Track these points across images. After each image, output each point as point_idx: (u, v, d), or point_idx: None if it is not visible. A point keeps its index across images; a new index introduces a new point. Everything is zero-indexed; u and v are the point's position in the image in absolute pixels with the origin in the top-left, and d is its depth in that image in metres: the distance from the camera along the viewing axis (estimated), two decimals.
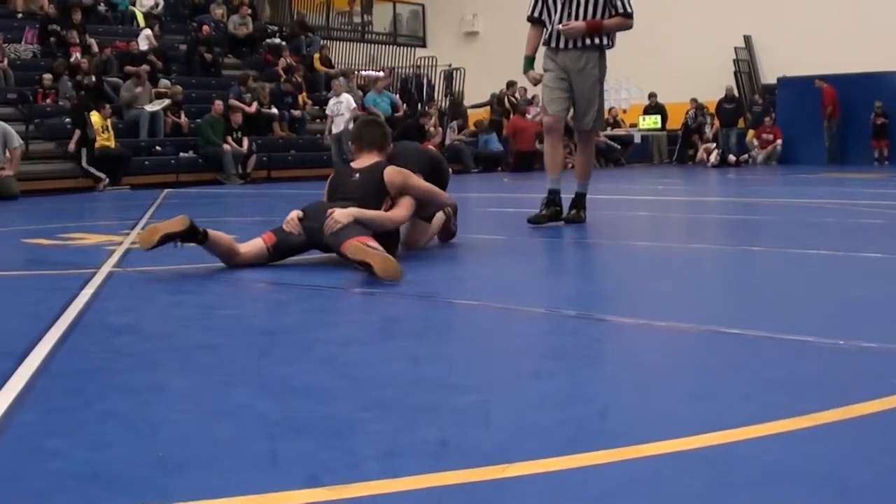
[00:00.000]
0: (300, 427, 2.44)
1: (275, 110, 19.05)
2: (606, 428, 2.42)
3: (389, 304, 4.28)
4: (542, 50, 7.87)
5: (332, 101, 19.05)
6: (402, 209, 5.62)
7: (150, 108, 17.22)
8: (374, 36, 27.56)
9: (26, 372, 3.05)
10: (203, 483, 2.06)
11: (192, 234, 5.04)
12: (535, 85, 8.11)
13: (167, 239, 4.95)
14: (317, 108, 20.97)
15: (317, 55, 22.51)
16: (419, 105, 21.92)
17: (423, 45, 27.64)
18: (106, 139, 15.66)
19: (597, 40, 7.54)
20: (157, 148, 17.09)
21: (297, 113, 19.63)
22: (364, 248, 4.74)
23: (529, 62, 8.02)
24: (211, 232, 5.18)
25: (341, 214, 5.24)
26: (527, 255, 6.38)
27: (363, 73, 23.60)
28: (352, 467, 2.13)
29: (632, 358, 3.24)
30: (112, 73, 18.34)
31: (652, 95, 23.89)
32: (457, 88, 23.59)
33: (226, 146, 16.98)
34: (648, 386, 2.86)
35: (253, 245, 5.41)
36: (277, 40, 22.62)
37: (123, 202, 13.08)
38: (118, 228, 8.22)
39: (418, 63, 24.88)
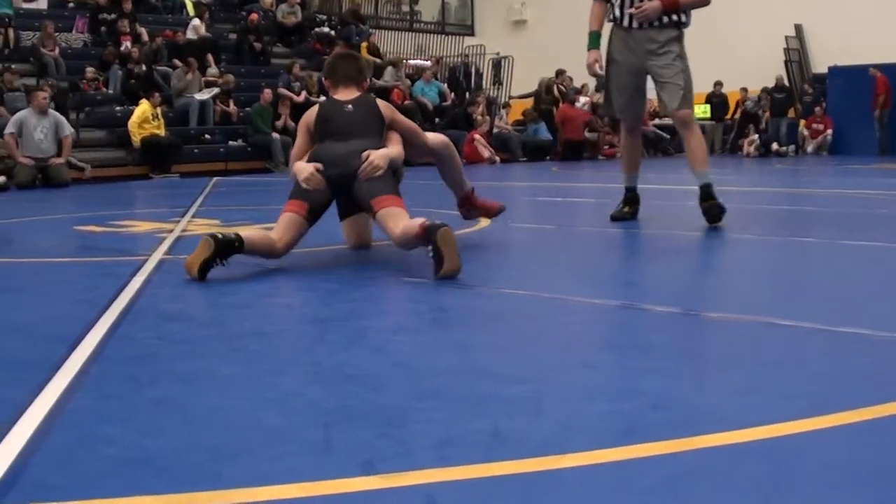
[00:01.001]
0: (353, 415, 2.44)
1: (323, 99, 19.08)
2: (659, 419, 2.39)
3: (439, 293, 4.27)
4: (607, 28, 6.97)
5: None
6: (398, 144, 5.30)
7: (199, 96, 17.32)
8: (422, 25, 27.56)
9: (80, 358, 3.08)
10: (255, 470, 2.07)
11: (226, 247, 4.59)
12: (591, 74, 7.14)
13: (206, 267, 4.54)
14: None
15: (365, 44, 22.52)
16: (467, 94, 21.88)
17: (472, 34, 27.60)
18: (156, 127, 15.77)
19: (674, 17, 6.68)
20: (207, 136, 17.20)
21: None
22: (448, 235, 4.41)
23: (595, 39, 6.96)
24: (244, 234, 4.73)
25: (380, 157, 4.99)
26: (575, 245, 6.36)
27: (411, 62, 23.59)
28: (405, 456, 2.12)
29: (683, 349, 3.21)
30: (162, 61, 18.47)
31: (718, 84, 23.49)
32: (505, 77, 23.53)
33: (274, 134, 17.05)
34: (701, 378, 2.84)
35: (288, 224, 4.97)
36: (326, 29, 22.66)
37: (173, 190, 13.17)
38: (168, 216, 8.27)
39: (466, 52, 24.87)
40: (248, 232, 4.89)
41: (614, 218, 7.22)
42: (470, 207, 6.22)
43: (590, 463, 2.08)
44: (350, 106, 5.28)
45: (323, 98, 19.71)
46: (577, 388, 2.69)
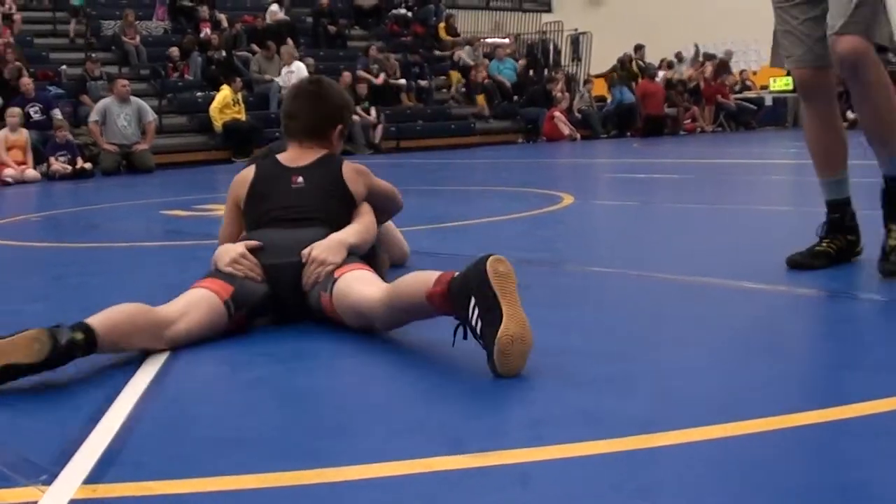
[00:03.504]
0: (445, 395, 2.44)
1: (403, 80, 19.10)
2: (756, 397, 2.36)
3: (523, 271, 4.23)
4: None
5: (283, 71, 17.19)
6: (368, 214, 3.72)
7: (279, 80, 17.44)
8: (499, 2, 27.43)
9: None
10: (353, 449, 2.08)
11: (63, 358, 2.67)
12: None
13: (6, 376, 2.60)
14: (443, 77, 21.02)
15: (442, 24, 22.52)
16: (545, 71, 21.77)
17: (549, 11, 27.41)
18: (237, 112, 15.91)
19: None
20: None
21: (424, 83, 19.67)
22: (503, 266, 2.63)
23: None
24: (100, 323, 2.81)
25: (329, 253, 3.34)
26: (660, 222, 6.30)
27: (487, 40, 23.51)
28: (498, 436, 2.11)
29: (775, 327, 3.16)
30: (241, 47, 18.62)
31: None
32: (583, 54, 23.36)
33: (354, 117, 17.11)
34: (793, 356, 2.78)
35: (195, 301, 3.17)
36: (403, 10, 22.67)
37: None
38: None
39: (544, 28, 24.71)
40: (109, 315, 2.89)
41: (793, 264, 4.01)
42: None
43: (685, 441, 2.06)
44: (301, 179, 3.63)
45: (403, 80, 20.42)
46: (669, 366, 2.66)
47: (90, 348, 2.76)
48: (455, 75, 20.00)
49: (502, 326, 2.51)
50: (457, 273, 2.68)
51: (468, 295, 2.61)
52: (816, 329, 3.17)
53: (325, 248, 3.34)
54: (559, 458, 1.99)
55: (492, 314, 2.54)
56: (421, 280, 2.82)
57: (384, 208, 3.94)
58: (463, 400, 2.39)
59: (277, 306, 3.39)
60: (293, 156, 3.73)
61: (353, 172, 3.71)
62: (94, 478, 1.94)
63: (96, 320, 2.82)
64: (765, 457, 1.96)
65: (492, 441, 2.07)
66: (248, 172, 3.72)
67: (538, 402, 2.35)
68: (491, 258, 2.61)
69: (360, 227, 3.58)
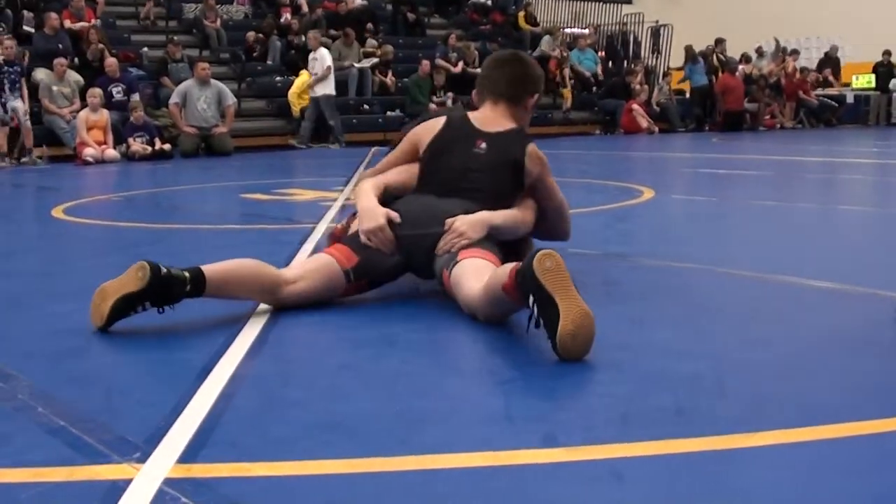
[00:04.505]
0: (532, 386, 2.43)
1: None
2: (844, 401, 2.32)
3: (608, 265, 4.23)
4: None
5: (310, 57, 16.15)
6: (529, 211, 3.71)
7: (358, 65, 17.49)
8: None
9: (258, 323, 3.14)
10: (441, 437, 2.08)
11: (166, 286, 2.99)
12: None
13: (124, 307, 2.99)
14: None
15: (521, 13, 22.43)
16: (625, 62, 21.61)
17: (629, 2, 27.18)
18: None
19: None
20: (365, 106, 17.36)
21: None
22: (553, 260, 2.64)
23: None
24: (214, 269, 3.14)
25: (470, 227, 3.38)
26: (741, 219, 6.23)
27: (567, 30, 23.39)
28: (587, 430, 2.10)
29: (862, 330, 3.09)
30: (321, 32, 18.68)
31: (886, 53, 22.41)
32: (663, 46, 23.14)
33: (431, 105, 17.13)
34: (883, 359, 2.72)
35: (318, 267, 3.39)
36: None
37: (333, 159, 13.35)
38: (331, 185, 8.37)
39: (624, 20, 24.50)
40: (227, 265, 3.22)
41: None
42: None
43: (778, 443, 2.03)
44: (484, 145, 3.64)
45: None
46: (757, 365, 2.63)
47: (198, 289, 3.05)
48: (567, 93, 19.70)
49: (560, 323, 2.56)
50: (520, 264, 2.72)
51: (526, 292, 2.67)
52: None
53: (468, 223, 3.38)
54: (650, 455, 1.98)
55: (549, 311, 2.60)
56: (501, 272, 2.86)
57: (546, 215, 3.81)
58: (548, 392, 2.38)
59: (411, 269, 3.54)
60: (484, 118, 3.74)
61: (536, 157, 3.68)
62: (187, 457, 1.97)
63: (209, 266, 3.12)
64: (858, 461, 1.93)
65: (582, 435, 2.06)
66: (438, 123, 3.74)
67: (625, 398, 2.33)
68: (538, 255, 2.64)
69: (513, 214, 3.60)
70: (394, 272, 3.50)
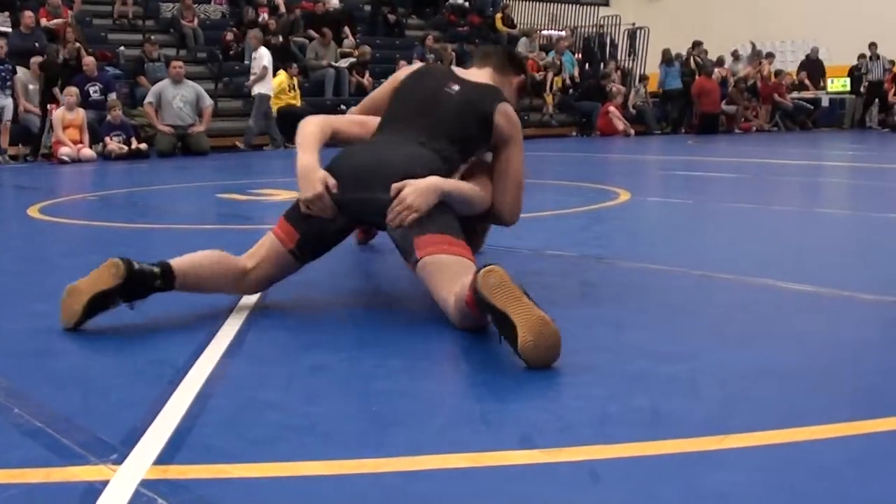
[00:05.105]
0: (510, 388, 2.44)
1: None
2: (821, 403, 2.34)
3: (585, 267, 4.24)
4: None
5: (252, 57, 16.08)
6: (485, 190, 3.59)
7: (336, 64, 17.46)
8: None
9: (235, 324, 3.14)
10: (417, 439, 2.08)
11: (139, 281, 3.02)
12: None
13: (97, 304, 3.00)
14: None
15: (499, 15, 22.46)
16: (601, 65, 21.66)
17: (607, 4, 27.23)
18: (292, 98, 15.96)
19: None
20: (342, 107, 17.31)
21: None
22: (495, 277, 2.63)
23: None
24: (181, 263, 3.17)
25: (418, 197, 3.15)
26: (717, 221, 6.25)
27: (545, 32, 23.43)
28: (564, 431, 2.11)
29: (837, 332, 3.11)
30: (299, 33, 18.66)
31: (861, 56, 22.29)
32: (640, 49, 23.21)
33: None
34: (858, 362, 2.75)
35: (267, 251, 3.34)
36: (460, 0, 22.64)
37: None
38: None
39: (601, 22, 24.57)
40: (192, 258, 3.22)
41: None
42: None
43: (753, 445, 2.04)
44: (456, 87, 3.54)
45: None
46: (735, 368, 2.64)
47: (167, 283, 3.08)
48: (549, 99, 19.66)
49: (519, 335, 2.53)
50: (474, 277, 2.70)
51: (482, 311, 2.69)
52: (881, 335, 3.12)
53: (416, 191, 3.16)
54: (628, 457, 1.99)
55: (505, 326, 2.59)
56: (465, 283, 2.81)
57: (498, 189, 3.67)
58: (525, 394, 2.38)
59: (358, 227, 3.51)
60: (467, 71, 3.74)
61: (508, 116, 3.56)
62: (164, 459, 1.96)
63: (177, 260, 3.14)
64: (832, 464, 1.94)
65: (559, 437, 2.06)
66: (417, 65, 3.80)
67: (602, 400, 2.34)
68: (480, 274, 2.63)
69: (466, 185, 3.44)
70: (338, 237, 3.43)
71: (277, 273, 3.37)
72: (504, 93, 3.65)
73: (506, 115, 3.54)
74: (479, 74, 3.68)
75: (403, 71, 3.73)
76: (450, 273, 3.02)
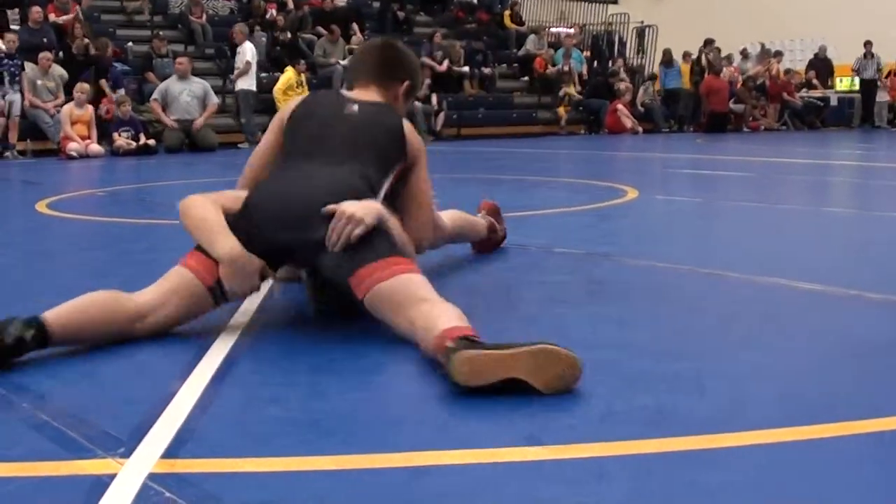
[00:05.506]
0: (515, 385, 2.44)
1: (466, 68, 19.05)
2: (825, 402, 2.34)
3: (593, 265, 4.24)
4: None
5: (237, 51, 15.78)
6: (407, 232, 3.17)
7: (343, 62, 17.48)
8: None
9: (240, 322, 3.15)
10: (421, 435, 2.09)
11: (10, 351, 2.58)
12: None
13: None
14: (504, 65, 20.97)
15: (507, 12, 22.45)
16: (610, 63, 21.64)
17: (615, 2, 27.22)
18: (300, 94, 15.94)
19: None
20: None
21: (487, 71, 19.62)
22: (482, 361, 2.30)
23: None
24: (58, 316, 2.71)
25: (361, 208, 2.86)
26: (725, 219, 6.25)
27: (553, 29, 23.43)
28: (570, 429, 2.11)
29: (844, 331, 3.11)
30: (307, 29, 18.68)
31: (868, 43, 22.19)
32: (648, 47, 23.19)
33: (416, 103, 17.11)
34: (865, 361, 2.74)
35: (173, 288, 2.90)
36: None
37: None
38: None
39: (610, 20, 24.56)
40: (75, 304, 2.78)
41: None
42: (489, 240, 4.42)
43: (754, 443, 2.05)
44: (356, 108, 3.30)
45: (466, 68, 20.40)
46: (739, 367, 2.64)
47: (42, 343, 2.64)
48: (563, 111, 19.53)
49: (532, 385, 2.32)
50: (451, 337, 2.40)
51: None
52: (889, 334, 3.12)
53: (359, 204, 2.87)
54: (632, 454, 1.99)
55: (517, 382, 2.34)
56: (430, 329, 2.52)
57: (410, 219, 3.28)
58: (530, 391, 2.37)
59: (284, 264, 3.08)
60: (355, 93, 3.43)
61: (413, 132, 3.32)
62: (171, 452, 1.97)
63: (53, 314, 2.69)
64: (837, 461, 1.95)
65: (564, 434, 2.07)
66: (302, 95, 3.35)
67: (606, 398, 2.34)
68: (452, 367, 2.30)
69: (398, 225, 3.06)
70: (264, 277, 3.00)
71: (185, 314, 2.91)
72: (395, 108, 3.42)
73: (410, 128, 3.32)
74: (366, 94, 3.40)
75: (286, 108, 3.37)
76: (397, 300, 2.75)
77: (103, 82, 14.13)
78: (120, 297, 2.84)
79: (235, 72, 15.40)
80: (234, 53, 17.03)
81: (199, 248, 2.93)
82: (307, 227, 2.88)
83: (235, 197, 3.10)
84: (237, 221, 2.95)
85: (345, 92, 3.47)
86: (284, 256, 3.02)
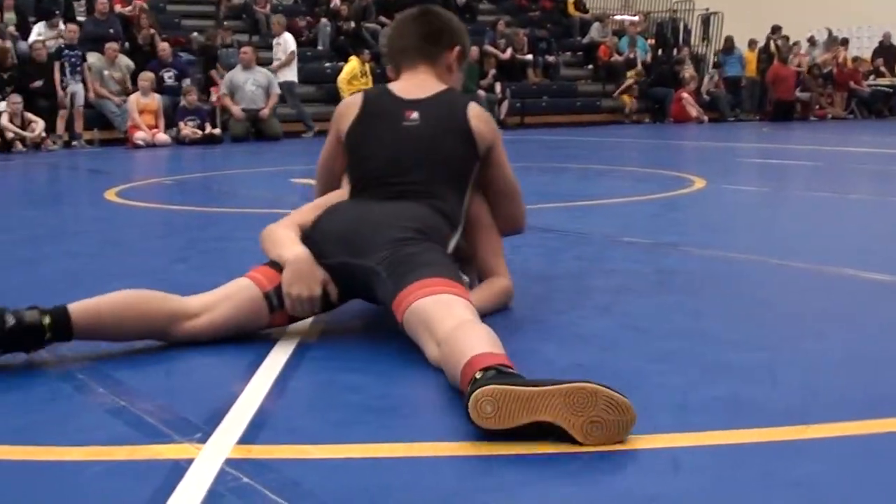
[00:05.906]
0: (587, 374, 2.42)
1: (530, 56, 18.99)
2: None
3: (662, 254, 4.21)
4: None
5: (274, 42, 15.67)
6: (500, 281, 3.16)
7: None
8: None
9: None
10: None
11: (20, 338, 2.49)
12: None
13: None
14: (569, 53, 20.87)
15: (571, 0, 22.33)
16: (675, 51, 21.46)
17: None
18: (364, 84, 15.98)
19: None
20: None
21: (551, 59, 19.53)
22: (504, 399, 1.92)
23: None
24: (84, 309, 2.57)
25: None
26: (793, 209, 6.19)
27: (617, 17, 23.27)
28: (644, 419, 2.09)
29: None
30: (370, 18, 18.71)
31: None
32: (713, 34, 22.96)
33: (480, 91, 17.09)
34: None
35: (228, 293, 2.76)
36: None
37: None
38: None
39: (674, 7, 24.34)
40: (104, 299, 2.65)
41: None
42: None
43: (834, 435, 2.02)
44: (415, 114, 3.03)
45: (529, 56, 20.39)
46: (813, 357, 2.62)
47: (62, 334, 2.53)
48: (627, 99, 19.40)
49: (575, 434, 1.95)
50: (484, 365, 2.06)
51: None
52: None
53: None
54: (708, 445, 1.98)
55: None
56: (459, 358, 2.17)
57: (495, 201, 3.16)
58: (604, 380, 2.36)
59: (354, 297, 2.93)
60: (407, 86, 3.11)
61: (482, 116, 3.05)
62: (247, 438, 1.99)
63: (79, 305, 2.57)
64: None
65: (639, 425, 2.04)
66: (355, 102, 3.12)
67: (681, 388, 2.32)
68: (471, 405, 1.92)
69: (483, 295, 2.96)
70: (324, 303, 2.82)
71: (236, 320, 2.75)
72: (451, 81, 3.18)
73: (478, 115, 3.04)
74: (419, 81, 3.12)
75: (342, 119, 3.13)
76: (428, 318, 2.48)
77: (213, 73, 14.60)
78: (158, 294, 2.70)
79: (275, 63, 15.27)
80: (299, 44, 17.10)
81: (268, 263, 2.84)
82: (366, 253, 2.73)
83: (314, 206, 3.06)
84: (306, 239, 2.87)
85: (397, 91, 3.10)
86: (345, 280, 2.83)
